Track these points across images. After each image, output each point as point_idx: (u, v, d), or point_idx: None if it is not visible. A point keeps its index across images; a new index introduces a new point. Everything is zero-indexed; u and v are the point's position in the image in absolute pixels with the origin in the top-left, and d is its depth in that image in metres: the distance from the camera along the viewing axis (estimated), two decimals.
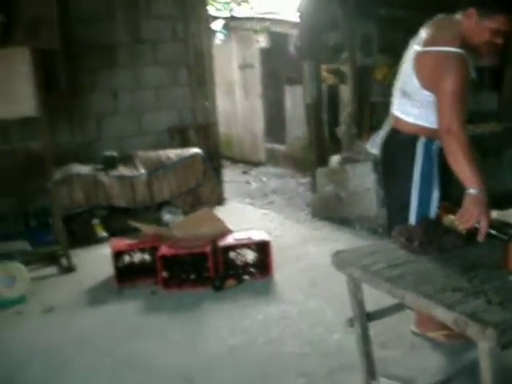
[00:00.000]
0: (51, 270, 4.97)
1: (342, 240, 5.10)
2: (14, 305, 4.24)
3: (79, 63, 6.10)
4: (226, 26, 9.76)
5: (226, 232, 4.50)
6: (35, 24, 4.95)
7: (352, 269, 2.43)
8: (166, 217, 5.79)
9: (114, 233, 5.48)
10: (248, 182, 8.07)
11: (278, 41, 8.74)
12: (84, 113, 6.16)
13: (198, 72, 6.76)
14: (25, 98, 4.64)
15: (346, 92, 6.18)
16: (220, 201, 6.42)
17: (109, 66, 6.28)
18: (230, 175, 7.72)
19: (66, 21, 5.83)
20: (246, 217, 6.10)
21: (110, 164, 5.80)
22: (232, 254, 4.32)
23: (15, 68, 4.65)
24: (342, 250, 2.65)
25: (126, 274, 4.43)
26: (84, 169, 5.74)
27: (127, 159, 5.99)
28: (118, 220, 5.68)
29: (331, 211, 5.76)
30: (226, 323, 3.76)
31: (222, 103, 7.63)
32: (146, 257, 4.45)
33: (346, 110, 6.18)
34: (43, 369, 3.36)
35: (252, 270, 4.37)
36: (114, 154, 5.91)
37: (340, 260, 2.52)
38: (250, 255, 4.41)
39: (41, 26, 4.96)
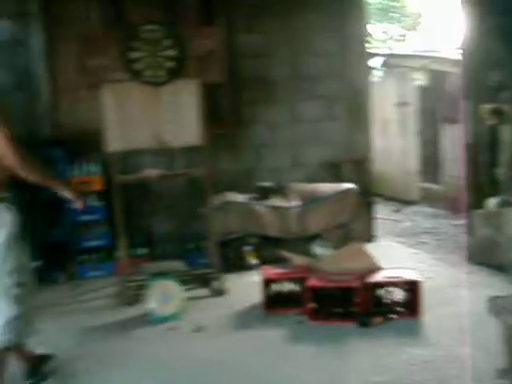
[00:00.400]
0: (203, 291, 5.20)
1: (497, 286, 4.85)
2: (167, 321, 4.50)
3: (241, 96, 6.40)
4: (384, 63, 9.78)
5: (376, 269, 4.47)
6: (205, 59, 5.29)
7: (508, 316, 2.34)
8: (316, 250, 5.85)
9: (264, 261, 5.65)
10: (399, 221, 7.95)
11: (436, 79, 8.61)
12: (243, 144, 6.44)
13: (355, 108, 6.81)
14: (191, 127, 4.95)
15: (507, 133, 5.92)
16: (370, 237, 6.39)
17: (269, 99, 6.53)
18: (382, 213, 7.65)
19: (231, 56, 6.17)
20: (395, 255, 6.01)
21: (265, 194, 5.99)
22: (380, 292, 4.29)
23: (184, 99, 4.98)
24: (498, 296, 2.55)
25: (274, 302, 4.55)
26: (240, 197, 5.98)
27: (282, 190, 6.16)
28: (269, 249, 5.86)
29: (487, 256, 5.51)
30: (370, 360, 3.72)
31: (376, 140, 7.61)
32: (295, 287, 4.53)
33: (506, 152, 5.92)
34: None
35: (399, 309, 4.30)
36: (270, 184, 6.11)
37: (495, 306, 2.44)
38: (398, 294, 4.35)
39: (210, 60, 5.29)
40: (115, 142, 4.91)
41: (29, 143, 5.53)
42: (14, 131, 4.95)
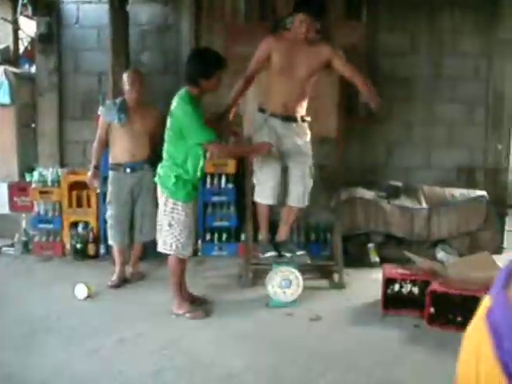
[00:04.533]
0: (322, 282, 5.27)
1: None
2: (286, 306, 4.61)
3: (380, 93, 6.32)
4: None
5: None
6: (346, 53, 5.29)
7: None
8: (440, 254, 5.75)
9: (385, 259, 5.63)
10: None
11: None
12: (376, 140, 6.44)
13: (496, 114, 6.58)
14: (327, 118, 5.00)
15: None
16: (498, 249, 6.16)
17: (407, 97, 6.47)
18: None
19: (372, 52, 6.16)
20: None
21: (393, 193, 5.95)
22: None
23: (323, 90, 5.03)
24: None
25: (393, 302, 4.52)
26: (368, 193, 5.98)
27: (411, 191, 6.09)
28: (392, 248, 5.84)
29: None
30: None
31: None
32: (415, 289, 4.48)
33: None
34: (294, 373, 3.56)
35: None
36: (399, 183, 6.06)
37: None
38: None
39: (351, 55, 5.30)
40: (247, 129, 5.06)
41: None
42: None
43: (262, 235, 4.88)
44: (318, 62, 4.52)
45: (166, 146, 4.30)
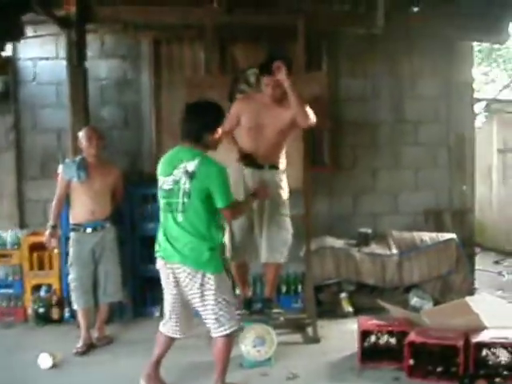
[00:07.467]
0: (296, 337, 5.12)
1: None
2: (260, 366, 4.45)
3: (343, 140, 6.37)
4: (487, 109, 9.51)
5: (481, 327, 4.25)
6: (309, 103, 5.27)
7: None
8: (414, 300, 5.69)
9: (358, 309, 5.54)
10: (501, 274, 7.62)
11: None
12: (343, 188, 6.39)
13: (458, 155, 6.63)
14: (293, 170, 4.92)
15: None
16: (470, 290, 6.12)
17: (370, 144, 6.46)
18: (481, 264, 7.34)
19: (334, 100, 6.16)
20: (497, 311, 5.68)
21: (363, 240, 5.90)
22: (485, 353, 4.05)
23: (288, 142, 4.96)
24: None
25: (370, 354, 4.41)
26: (337, 242, 5.92)
27: (380, 237, 6.05)
28: (364, 297, 5.76)
29: None
30: None
31: (477, 188, 7.37)
32: (393, 340, 4.38)
33: None
34: None
35: (506, 372, 4.05)
36: (369, 230, 6.01)
37: None
38: (504, 356, 4.10)
39: (314, 105, 5.27)
40: None
41: (131, 179, 5.76)
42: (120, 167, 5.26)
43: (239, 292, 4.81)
44: (285, 122, 4.49)
45: (182, 219, 3.65)
